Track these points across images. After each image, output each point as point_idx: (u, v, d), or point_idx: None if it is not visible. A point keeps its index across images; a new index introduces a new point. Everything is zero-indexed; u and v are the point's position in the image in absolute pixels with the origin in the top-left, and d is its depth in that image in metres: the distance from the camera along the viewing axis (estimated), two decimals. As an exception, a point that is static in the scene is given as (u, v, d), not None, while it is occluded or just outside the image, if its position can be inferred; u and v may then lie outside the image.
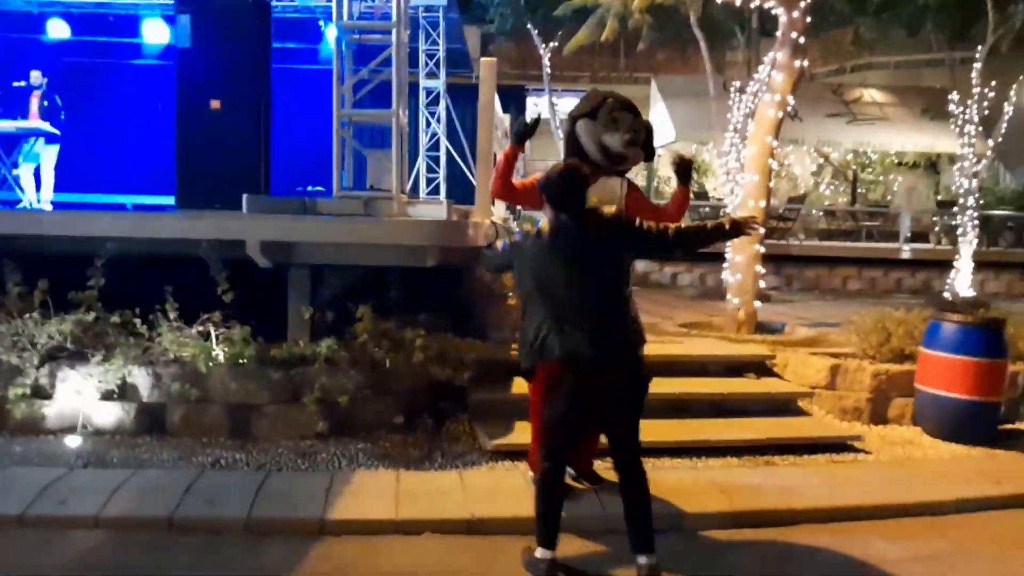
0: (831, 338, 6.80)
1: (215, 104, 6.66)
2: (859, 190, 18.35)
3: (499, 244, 3.68)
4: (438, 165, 12.15)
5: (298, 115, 10.76)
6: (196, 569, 3.40)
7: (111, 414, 4.78)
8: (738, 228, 3.55)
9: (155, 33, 10.75)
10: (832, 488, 4.43)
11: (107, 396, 4.75)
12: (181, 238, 5.16)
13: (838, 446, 5.16)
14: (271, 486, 4.09)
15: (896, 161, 18.01)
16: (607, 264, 3.43)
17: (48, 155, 9.07)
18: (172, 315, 4.91)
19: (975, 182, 10.52)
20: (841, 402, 5.78)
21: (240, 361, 4.79)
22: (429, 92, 12.20)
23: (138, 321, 4.88)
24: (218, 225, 5.15)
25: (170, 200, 7.41)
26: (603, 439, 3.84)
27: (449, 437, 4.92)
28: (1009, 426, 5.76)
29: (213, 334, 4.89)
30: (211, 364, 4.74)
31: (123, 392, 4.76)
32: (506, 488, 4.16)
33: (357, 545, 3.64)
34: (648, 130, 4.05)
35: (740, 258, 7.33)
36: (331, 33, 10.42)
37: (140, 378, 4.77)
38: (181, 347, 4.80)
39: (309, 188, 9.65)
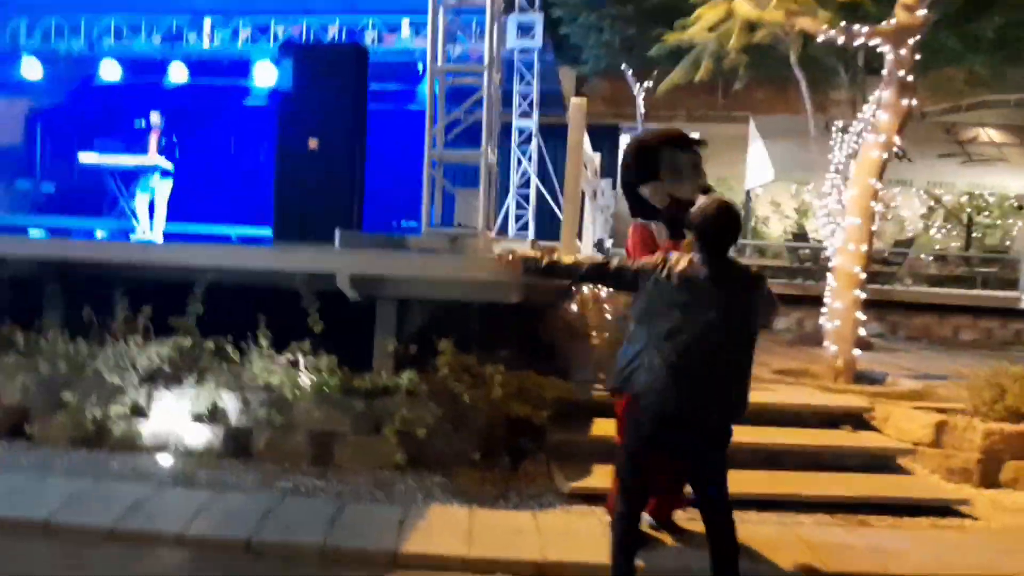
0: (938, 392, 6.37)
1: (313, 143, 6.95)
2: (974, 234, 17.34)
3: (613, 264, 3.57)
4: (528, 203, 12.26)
5: (394, 153, 11.11)
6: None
7: (201, 435, 4.96)
8: None
9: (265, 76, 11.37)
10: (933, 554, 4.11)
11: (198, 418, 4.93)
12: (276, 270, 5.36)
13: (942, 509, 4.78)
14: (347, 515, 4.13)
15: (1016, 205, 16.96)
16: (741, 319, 3.26)
17: (162, 189, 9.72)
18: (263, 343, 5.08)
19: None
20: (947, 462, 5.38)
21: (325, 390, 4.89)
22: (522, 132, 12.37)
23: (231, 347, 5.08)
24: (311, 258, 5.33)
25: (267, 231, 7.75)
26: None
27: (525, 476, 4.85)
28: None
29: (301, 362, 5.02)
30: (297, 392, 4.86)
31: (213, 415, 4.94)
32: (580, 532, 4.05)
33: (427, 580, 3.62)
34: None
35: (839, 303, 7.02)
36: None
37: (230, 402, 4.94)
38: (270, 374, 4.95)
39: (404, 223, 9.91)
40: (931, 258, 15.68)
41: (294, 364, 5.01)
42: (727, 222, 3.27)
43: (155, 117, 9.77)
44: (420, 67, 11.10)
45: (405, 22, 11.26)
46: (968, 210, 17.38)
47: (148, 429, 4.96)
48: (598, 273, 3.64)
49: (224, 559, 3.72)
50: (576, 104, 6.12)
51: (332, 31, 11.12)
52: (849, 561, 3.94)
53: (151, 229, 9.67)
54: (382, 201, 9.39)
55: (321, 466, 4.83)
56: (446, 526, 4.07)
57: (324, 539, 3.84)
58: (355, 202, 7.08)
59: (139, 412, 4.97)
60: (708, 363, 3.21)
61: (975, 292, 13.51)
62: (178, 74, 11.88)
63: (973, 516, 4.77)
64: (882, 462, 5.30)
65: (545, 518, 4.27)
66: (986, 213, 17.38)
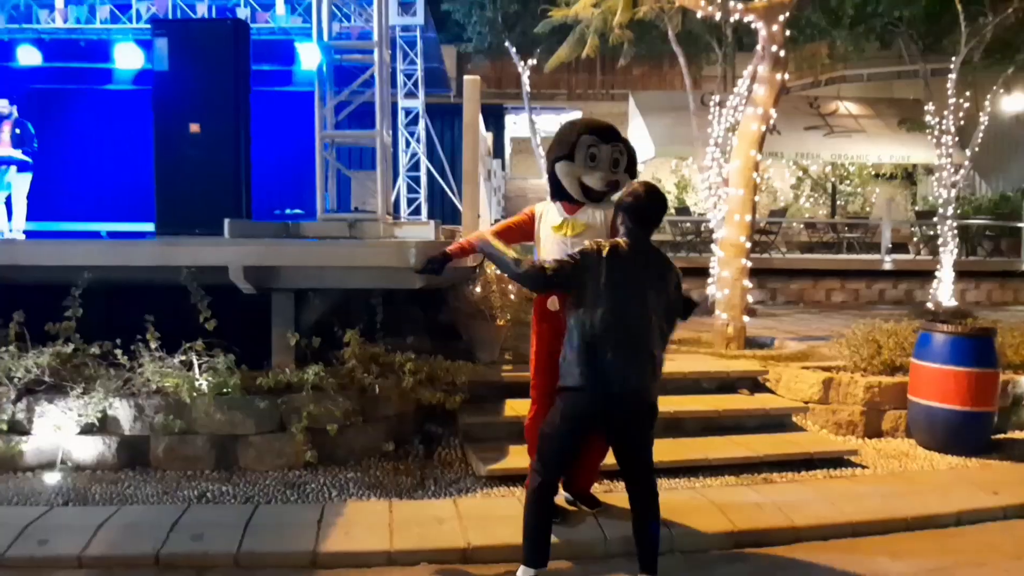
0: (821, 352, 6.78)
1: (194, 128, 6.54)
2: (838, 202, 18.53)
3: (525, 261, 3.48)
4: (419, 185, 12.11)
5: (276, 138, 10.67)
6: (184, 610, 3.27)
7: (92, 449, 4.62)
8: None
9: (127, 58, 10.64)
10: (832, 504, 4.37)
11: (87, 430, 4.59)
12: (161, 265, 5.03)
13: (835, 461, 5.12)
14: (260, 519, 3.96)
15: (874, 173, 18.22)
16: (661, 298, 3.38)
17: (20, 184, 8.92)
18: (154, 345, 4.77)
19: (953, 192, 10.65)
20: (835, 416, 5.74)
21: (224, 390, 4.65)
22: (408, 112, 12.19)
23: (119, 352, 4.74)
24: (199, 251, 5.02)
25: (149, 227, 7.26)
26: (606, 461, 3.78)
27: (441, 463, 4.82)
28: (1002, 436, 5.76)
29: (196, 363, 4.75)
30: (195, 394, 4.60)
31: (104, 425, 4.61)
32: (502, 515, 4.05)
33: (351, 579, 3.53)
34: (631, 155, 3.95)
35: (727, 273, 7.31)
36: (305, 54, 10.39)
37: (121, 411, 4.62)
38: (163, 378, 4.65)
39: (288, 211, 9.55)
40: (802, 226, 16.63)
41: (189, 365, 4.73)
42: (654, 204, 3.42)
43: (3, 105, 8.93)
44: (297, 45, 10.68)
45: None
46: (832, 179, 18.55)
47: (31, 446, 4.56)
48: (544, 280, 3.40)
49: (131, 577, 3.49)
50: (470, 81, 6.04)
51: (201, 10, 10.51)
52: (758, 518, 4.14)
53: (10, 229, 8.87)
54: (264, 190, 8.98)
55: (227, 470, 4.61)
56: (365, 521, 3.97)
57: (238, 546, 3.66)
58: (243, 190, 6.73)
59: (18, 429, 4.56)
60: (636, 338, 3.29)
61: (842, 256, 14.46)
62: (28, 56, 10.92)
63: (863, 465, 5.12)
64: (778, 421, 5.59)
65: (465, 503, 4.25)
66: (848, 182, 18.60)
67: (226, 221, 5.65)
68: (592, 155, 3.78)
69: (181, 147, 6.58)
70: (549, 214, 3.94)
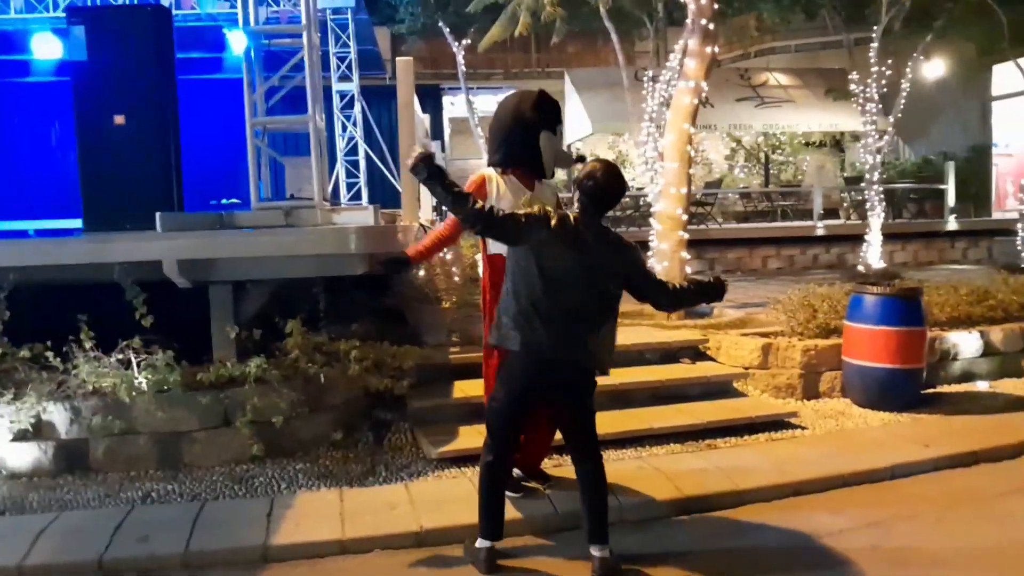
0: (759, 318, 6.96)
1: (119, 119, 6.30)
2: (771, 171, 18.95)
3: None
4: (357, 170, 11.95)
5: (209, 127, 10.37)
6: (133, 613, 3.22)
7: (27, 455, 4.47)
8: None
9: (45, 48, 10.18)
10: (774, 466, 4.52)
11: (21, 436, 4.44)
12: (91, 263, 4.87)
13: (776, 423, 5.28)
14: (208, 516, 3.90)
15: (804, 142, 18.67)
16: (612, 276, 3.36)
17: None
18: (88, 345, 4.63)
19: (878, 158, 11.00)
20: (775, 380, 5.91)
21: (165, 388, 4.55)
22: (343, 95, 11.98)
23: (51, 354, 4.59)
24: (130, 246, 4.88)
25: (77, 223, 6.99)
26: (557, 437, 3.83)
27: (392, 449, 4.81)
28: (931, 390, 6.02)
29: (134, 361, 4.63)
30: (134, 393, 4.48)
31: (39, 431, 4.46)
32: (454, 496, 4.08)
33: (304, 569, 3.51)
34: None
35: (665, 245, 7.43)
36: (235, 40, 10.10)
37: (57, 414, 4.48)
38: (100, 378, 4.53)
39: (224, 201, 9.32)
40: (737, 196, 16.97)
41: (127, 364, 4.61)
42: (611, 180, 3.38)
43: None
44: (226, 31, 10.38)
45: (203, -17, 10.45)
46: (764, 149, 18.95)
47: (-41, 456, 4.40)
48: (487, 216, 3.29)
49: (75, 584, 3.40)
50: (403, 63, 5.98)
51: (120, -4, 10.09)
52: (704, 484, 4.25)
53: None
54: (200, 180, 8.74)
55: (172, 469, 4.52)
56: (316, 511, 3.95)
57: (186, 545, 3.60)
58: (174, 181, 6.53)
59: (-56, 439, 4.40)
60: (579, 311, 3.31)
61: (777, 224, 14.82)
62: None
63: (802, 426, 5.30)
64: (720, 388, 5.74)
65: (417, 487, 4.25)
66: (780, 151, 19.03)
67: (158, 214, 5.49)
68: (560, 131, 3.88)
69: (106, 139, 6.34)
70: (503, 186, 3.88)
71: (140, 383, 4.51)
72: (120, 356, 4.64)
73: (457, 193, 3.30)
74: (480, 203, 3.34)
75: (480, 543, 3.44)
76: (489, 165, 4.01)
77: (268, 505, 4.01)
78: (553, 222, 3.30)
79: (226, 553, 3.59)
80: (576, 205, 3.41)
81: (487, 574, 3.40)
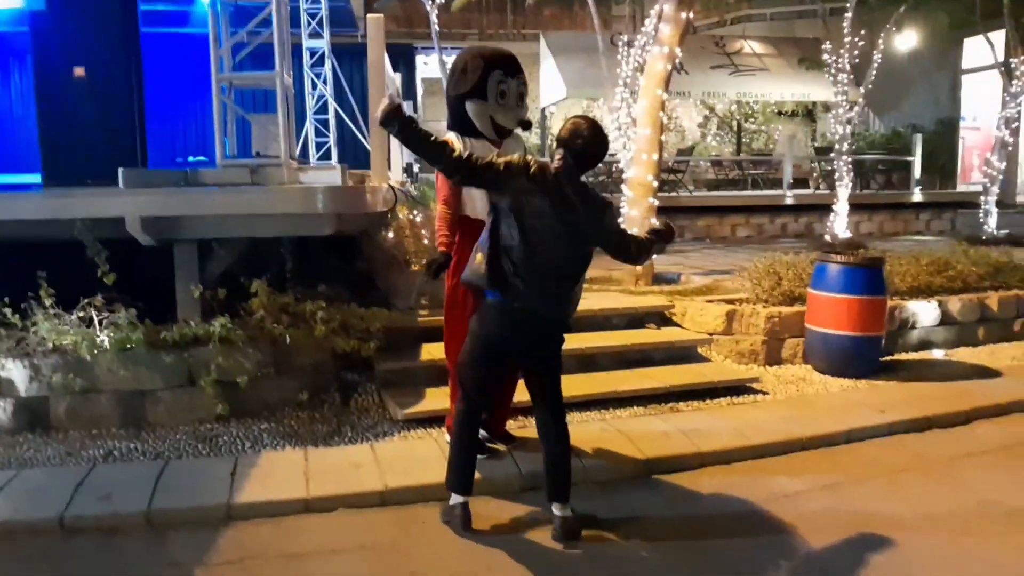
0: (726, 285, 7.04)
1: (79, 71, 6.12)
2: (743, 140, 19.02)
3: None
4: (327, 129, 11.76)
5: (175, 82, 10.13)
6: (96, 570, 3.21)
7: (-16, 413, 4.42)
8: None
9: (3, -4, 9.80)
10: (735, 429, 4.61)
11: (-22, 394, 4.38)
12: (51, 219, 4.78)
13: (738, 388, 5.37)
14: (171, 475, 3.89)
15: (776, 111, 18.74)
16: (588, 232, 3.36)
17: None
18: (48, 302, 4.55)
19: (848, 128, 11.08)
20: (738, 346, 6.00)
21: (128, 346, 4.50)
22: (313, 53, 11.73)
23: (9, 311, 4.51)
24: (92, 202, 4.79)
25: (37, 178, 6.83)
26: (518, 397, 3.87)
27: (358, 410, 4.82)
28: (890, 358, 6.16)
29: (96, 319, 4.57)
30: (96, 351, 4.43)
31: (-3, 388, 4.41)
32: (420, 456, 4.11)
33: (268, 528, 3.52)
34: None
35: (635, 212, 7.46)
36: (203, -7, 9.83)
37: (16, 372, 4.42)
38: (60, 335, 4.47)
39: (191, 158, 9.15)
40: (709, 164, 17.03)
41: (88, 322, 4.55)
42: (596, 141, 3.35)
43: None
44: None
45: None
46: (737, 118, 18.99)
47: (-85, 413, 4.33)
48: (466, 164, 3.24)
49: (36, 543, 3.37)
50: (374, 20, 5.86)
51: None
52: (665, 446, 4.33)
53: None
54: (166, 136, 8.56)
55: (135, 428, 4.49)
56: (280, 470, 3.96)
57: (149, 503, 3.60)
58: (137, 136, 6.39)
59: (-101, 396, 4.32)
60: (555, 266, 3.32)
61: (747, 193, 14.95)
62: None
63: (763, 391, 5.40)
64: (684, 353, 5.82)
65: (382, 448, 4.28)
66: (753, 120, 19.09)
67: (120, 170, 5.37)
68: (502, 91, 3.73)
69: (66, 92, 6.16)
70: (470, 145, 3.77)
71: (102, 341, 4.46)
72: (82, 314, 4.58)
73: (434, 142, 3.24)
74: (458, 151, 3.30)
75: (454, 499, 3.46)
76: (448, 129, 3.94)
77: (232, 464, 4.01)
78: (532, 170, 3.28)
79: (189, 512, 3.59)
80: (557, 162, 3.36)
81: (464, 530, 3.43)
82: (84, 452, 4.19)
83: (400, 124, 3.15)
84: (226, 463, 4.04)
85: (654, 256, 7.52)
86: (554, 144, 3.43)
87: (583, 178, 3.43)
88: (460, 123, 3.84)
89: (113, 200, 4.77)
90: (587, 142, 3.33)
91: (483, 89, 3.71)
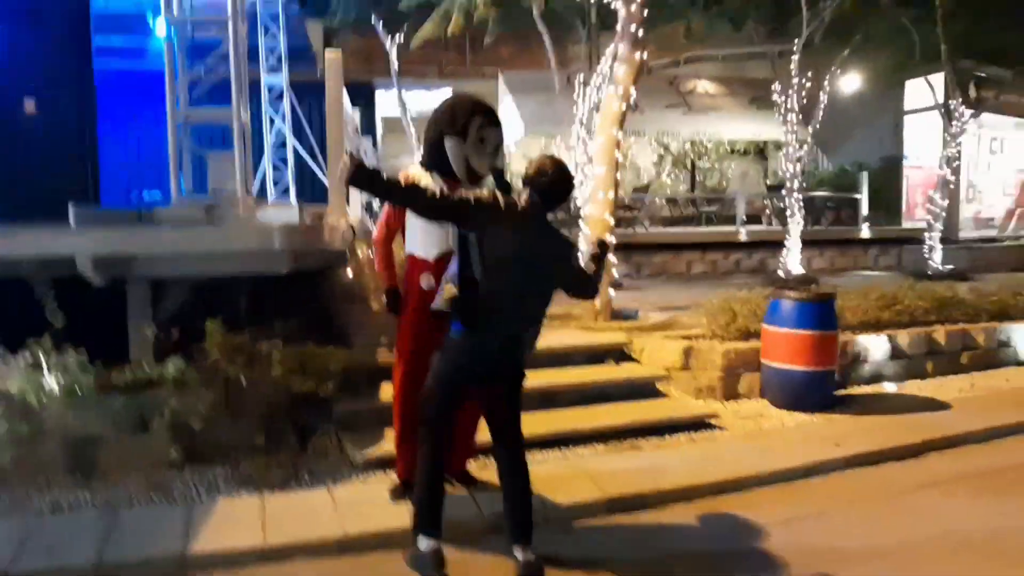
0: (683, 321, 7.12)
1: (29, 106, 6.01)
2: (697, 178, 19.40)
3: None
4: (286, 165, 11.70)
5: (130, 117, 10.00)
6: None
7: (-77, 462, 4.23)
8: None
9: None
10: (695, 466, 4.64)
11: (-83, 442, 4.19)
12: (-1, 257, 4.65)
13: (697, 424, 5.41)
14: (122, 525, 3.76)
15: (729, 149, 19.19)
16: (551, 271, 3.40)
17: None
18: (-8, 345, 4.41)
19: (798, 166, 11.40)
20: (696, 381, 6.06)
21: (77, 390, 4.36)
22: (272, 89, 11.71)
23: (-50, 355, 4.36)
24: (42, 241, 4.67)
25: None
26: (479, 438, 3.84)
27: (316, 453, 4.72)
28: (843, 392, 6.28)
29: (44, 362, 4.43)
30: (43, 397, 4.29)
31: (-64, 436, 4.22)
32: (379, 500, 4.05)
33: (223, 578, 3.43)
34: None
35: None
36: (161, 29, 9.77)
37: (-43, 419, 4.25)
38: (6, 380, 4.31)
39: (145, 193, 9.01)
40: (664, 201, 17.32)
41: (36, 366, 4.40)
42: (562, 179, 3.42)
43: None
44: (150, 20, 10.03)
45: (126, -32, 10.08)
46: (691, 156, 19.38)
47: None
48: (438, 201, 3.28)
49: (-24, 599, 3.24)
50: (331, 57, 5.88)
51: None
52: (626, 483, 4.33)
53: None
54: (119, 172, 8.42)
55: (84, 476, 4.32)
56: (236, 518, 3.86)
57: (98, 556, 3.47)
58: (89, 173, 6.28)
59: None
60: (518, 302, 3.34)
61: (702, 229, 15.22)
62: None
63: (721, 427, 5.46)
64: (643, 389, 5.86)
65: (341, 492, 4.20)
66: (706, 158, 19.51)
67: (71, 207, 5.26)
68: (482, 137, 3.79)
69: (15, 127, 6.03)
70: (430, 183, 3.80)
71: (50, 386, 4.32)
72: (28, 357, 4.43)
73: (406, 188, 3.31)
74: (430, 191, 3.34)
75: (424, 544, 3.34)
76: (420, 164, 3.99)
77: (186, 513, 3.90)
78: (500, 205, 3.32)
79: (141, 563, 3.47)
80: (524, 200, 3.41)
81: (437, 573, 3.33)
82: (29, 503, 4.03)
83: (369, 179, 3.21)
84: (180, 511, 3.93)
85: (612, 292, 7.65)
86: (520, 183, 3.48)
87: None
88: (436, 161, 3.88)
89: (63, 239, 4.66)
90: (552, 180, 3.39)
91: (465, 130, 3.78)
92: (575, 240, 3.69)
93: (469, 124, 3.77)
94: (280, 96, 11.58)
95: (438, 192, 3.35)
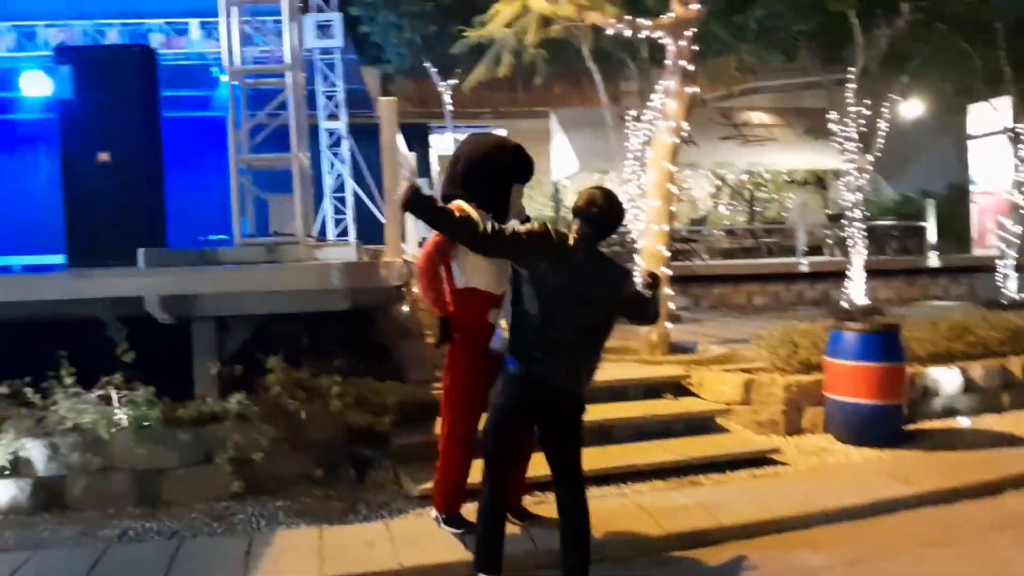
0: (742, 354, 6.98)
1: (103, 156, 6.36)
2: (755, 208, 19.16)
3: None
4: (345, 206, 12.01)
5: (197, 163, 10.45)
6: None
7: (4, 492, 4.42)
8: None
9: (34, 86, 10.28)
10: (756, 502, 4.52)
11: (-2, 474, 4.40)
12: (73, 298, 4.88)
13: (758, 460, 5.28)
14: (186, 554, 3.86)
15: (788, 179, 18.93)
16: (610, 298, 3.42)
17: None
18: (68, 381, 4.61)
19: (859, 195, 11.16)
20: (757, 416, 5.92)
21: (145, 424, 4.52)
22: (331, 133, 12.09)
23: (30, 390, 4.57)
24: (113, 282, 4.89)
25: (61, 259, 7.01)
26: (534, 472, 3.83)
27: (373, 486, 4.77)
28: (912, 426, 6.05)
29: (115, 397, 4.61)
30: (113, 430, 4.45)
31: (16, 468, 4.41)
32: (435, 533, 4.05)
33: (282, 609, 3.47)
34: None
35: (649, 281, 7.47)
36: (225, 79, 10.25)
37: (35, 451, 4.44)
38: (79, 414, 4.50)
39: (211, 237, 9.36)
40: (722, 233, 17.13)
41: (107, 400, 4.59)
42: (612, 209, 3.45)
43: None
44: (216, 71, 10.53)
45: (194, 24, 10.63)
46: (748, 187, 19.18)
47: (-65, 494, 4.34)
48: (489, 235, 3.33)
49: (47, 626, 3.34)
50: (386, 103, 6.07)
51: (112, 36, 10.24)
52: (686, 520, 4.25)
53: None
54: (187, 216, 8.77)
55: (150, 506, 4.47)
56: (295, 549, 3.92)
57: (163, 584, 3.57)
58: (156, 217, 6.58)
59: (-80, 477, 4.34)
60: (573, 335, 3.35)
61: (761, 261, 14.96)
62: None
63: (784, 462, 5.30)
64: (702, 424, 5.74)
65: (397, 525, 4.22)
66: (764, 188, 19.27)
67: (140, 250, 5.50)
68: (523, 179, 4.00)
69: (90, 176, 6.39)
70: (476, 215, 3.80)
71: (120, 419, 4.48)
72: (101, 392, 4.62)
73: (457, 218, 3.37)
74: (482, 225, 3.38)
75: None
76: (445, 196, 4.02)
77: (247, 543, 3.98)
78: (552, 238, 3.35)
79: (203, 592, 3.55)
80: (575, 232, 3.43)
81: None
82: (100, 532, 4.17)
83: (423, 206, 3.26)
84: (241, 542, 4.01)
85: (670, 325, 7.57)
86: (571, 215, 3.52)
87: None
88: (488, 200, 3.91)
89: (132, 279, 4.87)
90: (603, 210, 3.42)
91: (525, 177, 3.96)
92: (628, 269, 3.66)
93: (528, 172, 3.98)
94: (339, 140, 11.95)
95: (490, 227, 3.38)
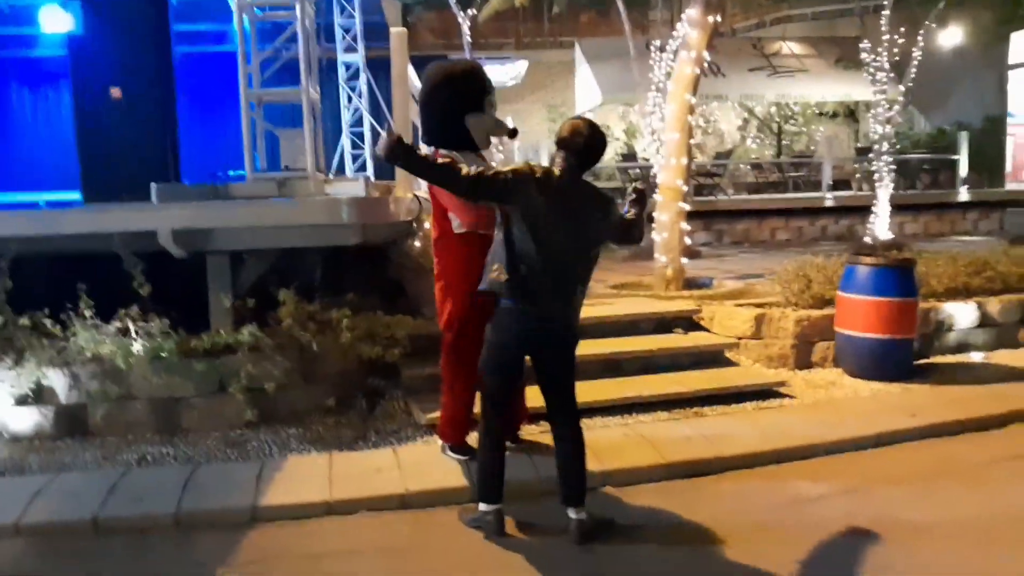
0: (757, 289, 6.96)
1: (115, 92, 6.39)
2: (784, 142, 18.74)
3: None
4: (363, 142, 11.96)
5: (210, 99, 10.44)
6: (126, 569, 3.34)
7: (28, 419, 4.62)
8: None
9: (53, 22, 10.24)
10: (759, 433, 4.57)
11: (22, 401, 4.58)
12: (90, 233, 4.98)
13: (765, 393, 5.30)
14: (200, 478, 4.02)
15: (817, 111, 18.43)
16: (594, 231, 3.41)
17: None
18: (87, 313, 4.74)
19: (889, 128, 10.86)
20: (767, 350, 5.93)
21: (161, 355, 4.66)
22: (348, 67, 11.96)
23: (49, 322, 4.72)
24: (126, 216, 4.98)
25: (77, 195, 7.13)
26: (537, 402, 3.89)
27: (383, 416, 4.90)
28: (924, 361, 6.02)
29: (132, 329, 4.75)
30: (131, 360, 4.60)
31: (39, 395, 4.60)
32: (440, 460, 4.17)
33: (291, 530, 3.62)
34: None
35: (665, 216, 7.43)
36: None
37: (56, 380, 4.61)
38: (98, 345, 4.65)
39: (230, 172, 9.42)
40: (748, 167, 16.82)
41: (124, 332, 4.72)
42: (595, 141, 3.42)
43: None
44: (230, 3, 10.40)
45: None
46: (777, 120, 18.72)
47: (-38, 420, 4.55)
48: (478, 180, 3.26)
49: (71, 543, 3.52)
50: (396, 34, 5.98)
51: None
52: (687, 451, 4.31)
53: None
54: (204, 151, 8.83)
55: (167, 433, 4.65)
56: (305, 474, 4.06)
57: (178, 505, 3.73)
58: (169, 153, 6.64)
59: (-52, 403, 4.55)
60: (568, 268, 3.37)
61: (787, 196, 14.71)
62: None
63: (791, 395, 5.33)
64: (711, 357, 5.77)
65: (405, 452, 4.35)
66: (793, 121, 18.79)
67: (153, 185, 5.57)
68: (492, 104, 3.88)
69: (102, 112, 6.44)
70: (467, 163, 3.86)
71: (137, 350, 4.62)
72: (118, 324, 4.76)
73: (442, 166, 3.30)
74: (464, 168, 3.32)
75: (484, 507, 3.47)
76: (424, 142, 3.96)
77: (258, 468, 4.12)
78: (538, 175, 3.32)
79: (216, 513, 3.71)
80: (559, 164, 3.41)
81: (498, 536, 3.45)
82: (119, 456, 4.36)
83: (404, 155, 3.24)
84: (253, 467, 4.16)
85: (686, 261, 7.54)
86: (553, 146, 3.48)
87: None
88: (453, 138, 3.86)
89: (145, 214, 4.95)
90: (587, 141, 3.39)
91: (481, 104, 3.80)
92: (612, 197, 3.62)
93: (484, 95, 3.80)
94: (357, 74, 11.81)
95: (473, 171, 3.31)
